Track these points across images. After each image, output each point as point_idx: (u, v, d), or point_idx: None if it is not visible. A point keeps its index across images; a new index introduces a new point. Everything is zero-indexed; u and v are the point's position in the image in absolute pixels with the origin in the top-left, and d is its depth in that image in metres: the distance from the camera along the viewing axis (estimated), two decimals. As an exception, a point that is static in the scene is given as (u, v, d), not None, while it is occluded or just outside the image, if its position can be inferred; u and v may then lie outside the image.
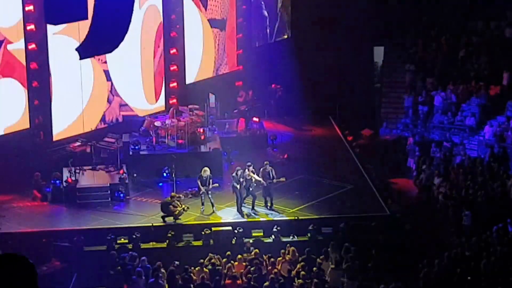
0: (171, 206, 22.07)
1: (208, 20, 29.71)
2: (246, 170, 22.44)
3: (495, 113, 29.50)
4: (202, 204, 22.64)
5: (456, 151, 27.56)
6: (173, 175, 23.38)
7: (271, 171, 22.77)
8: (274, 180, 22.71)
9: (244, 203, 22.77)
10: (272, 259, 20.27)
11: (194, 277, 19.48)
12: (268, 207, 22.85)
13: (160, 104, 28.37)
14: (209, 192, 22.44)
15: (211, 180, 22.44)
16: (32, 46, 24.19)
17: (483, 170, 25.92)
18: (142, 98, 27.92)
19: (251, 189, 22.45)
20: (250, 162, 22.74)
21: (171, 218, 22.10)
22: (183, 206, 22.26)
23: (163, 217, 22.14)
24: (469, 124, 29.63)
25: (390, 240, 21.37)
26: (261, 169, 22.88)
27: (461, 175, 25.51)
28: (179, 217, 22.10)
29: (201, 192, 22.48)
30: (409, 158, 27.78)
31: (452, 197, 24.31)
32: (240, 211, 22.57)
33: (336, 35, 32.96)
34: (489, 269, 19.85)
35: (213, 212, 22.55)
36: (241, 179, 22.41)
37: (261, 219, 22.45)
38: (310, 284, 19.02)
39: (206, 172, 22.48)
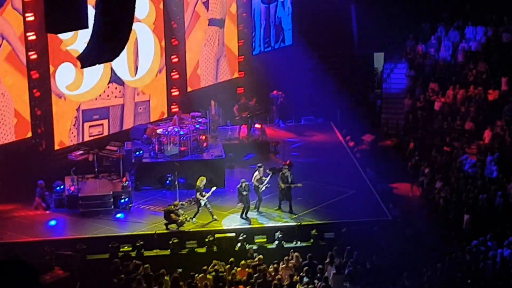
0: (174, 214, 22.13)
1: (208, 19, 29.92)
2: (260, 183, 22.65)
3: (494, 117, 29.59)
4: (195, 214, 22.56)
5: (456, 156, 27.63)
6: (176, 183, 23.43)
7: (290, 175, 23.07)
8: (292, 185, 22.99)
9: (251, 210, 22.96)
10: (275, 265, 20.33)
11: (198, 284, 19.51)
12: (288, 210, 23.14)
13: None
14: (207, 202, 22.44)
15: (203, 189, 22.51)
16: (33, 55, 24.30)
17: (483, 174, 25.99)
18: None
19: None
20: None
21: (174, 225, 22.16)
22: (186, 216, 22.31)
23: (166, 225, 22.19)
24: (468, 128, 29.72)
25: (391, 245, 21.41)
26: (279, 173, 23.20)
27: (461, 179, 25.59)
28: (183, 225, 22.16)
29: (203, 204, 22.41)
30: (409, 163, 27.85)
31: (453, 201, 24.39)
32: (245, 218, 22.67)
33: (337, 41, 33.10)
34: (489, 272, 19.91)
35: (214, 219, 22.57)
36: (244, 192, 22.54)
37: (267, 224, 22.55)
38: (314, 289, 19.08)
39: (203, 181, 22.53)
